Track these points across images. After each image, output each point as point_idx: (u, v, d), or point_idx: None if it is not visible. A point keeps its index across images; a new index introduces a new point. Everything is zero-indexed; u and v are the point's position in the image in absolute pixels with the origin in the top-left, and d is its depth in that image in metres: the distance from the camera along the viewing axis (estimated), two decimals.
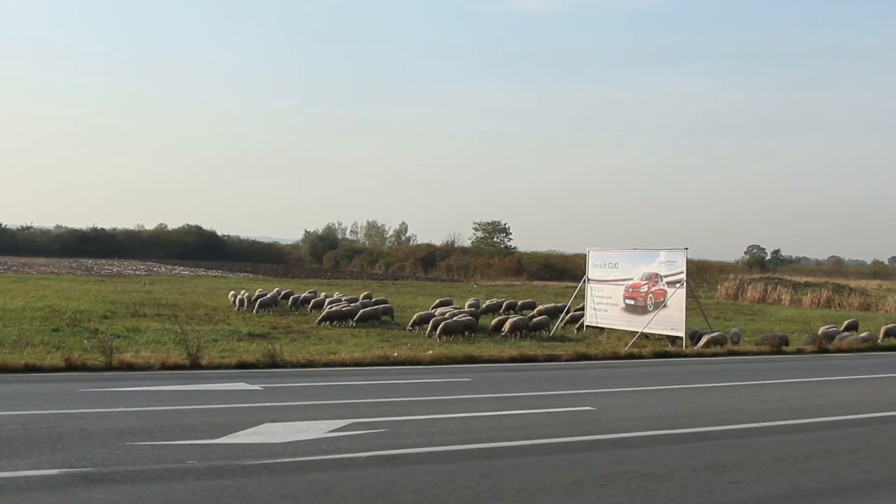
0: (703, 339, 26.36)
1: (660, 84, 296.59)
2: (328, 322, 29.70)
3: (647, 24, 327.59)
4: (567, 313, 32.47)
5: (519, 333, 27.97)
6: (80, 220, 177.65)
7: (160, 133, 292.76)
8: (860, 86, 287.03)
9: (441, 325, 26.50)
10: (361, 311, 30.55)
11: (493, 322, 29.69)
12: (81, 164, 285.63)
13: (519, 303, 38.20)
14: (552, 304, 35.79)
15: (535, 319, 29.92)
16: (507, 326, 27.99)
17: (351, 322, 29.78)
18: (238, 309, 34.79)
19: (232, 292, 38.27)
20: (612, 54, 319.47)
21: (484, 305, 37.08)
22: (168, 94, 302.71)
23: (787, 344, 27.26)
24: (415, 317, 29.68)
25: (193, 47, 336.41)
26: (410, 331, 28.36)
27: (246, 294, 36.07)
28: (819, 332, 29.68)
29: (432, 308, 34.24)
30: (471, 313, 30.39)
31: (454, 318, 27.73)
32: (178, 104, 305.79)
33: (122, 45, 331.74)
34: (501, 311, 35.94)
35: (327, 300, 34.81)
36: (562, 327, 31.27)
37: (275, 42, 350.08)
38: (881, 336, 31.01)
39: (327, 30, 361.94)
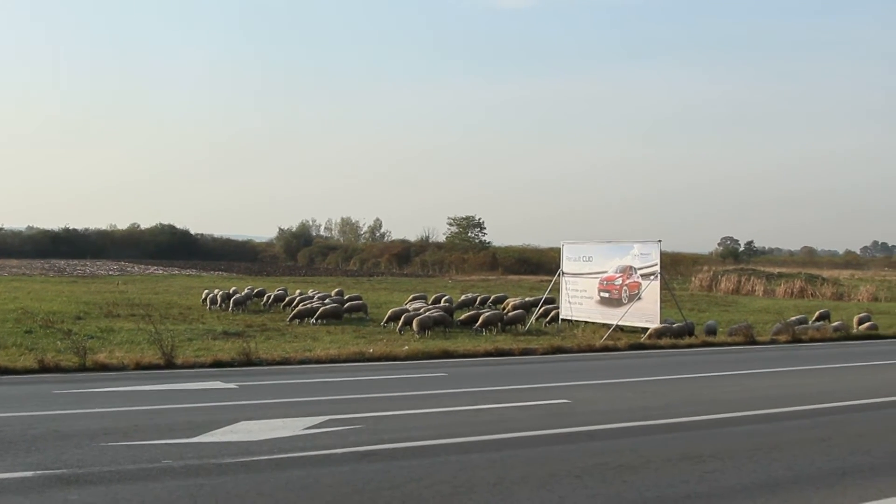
0: (649, 331, 26.28)
1: (636, 78, 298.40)
2: (299, 319, 29.61)
3: (625, 18, 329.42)
4: (541, 307, 32.50)
5: (494, 328, 28.02)
6: (52, 221, 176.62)
7: (130, 133, 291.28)
8: (837, 78, 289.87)
9: (416, 321, 26.48)
10: (321, 308, 30.33)
11: (463, 316, 29.73)
12: (52, 165, 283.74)
13: (491, 297, 38.18)
14: (520, 299, 35.76)
15: (510, 314, 29.98)
16: (480, 321, 28.02)
17: (312, 320, 29.52)
18: (210, 307, 34.60)
19: (206, 291, 38.03)
20: (589, 49, 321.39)
21: (460, 300, 37.09)
22: (136, 93, 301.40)
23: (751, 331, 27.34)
24: (389, 313, 29.65)
25: (161, 46, 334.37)
26: (384, 327, 28.34)
27: (219, 293, 35.92)
28: (786, 321, 29.83)
29: (407, 303, 34.23)
30: (445, 309, 30.40)
31: (428, 314, 27.71)
32: (147, 103, 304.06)
33: (90, 45, 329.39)
34: (475, 305, 35.94)
35: (298, 297, 34.70)
36: (534, 321, 31.30)
37: (241, 39, 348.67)
38: (854, 325, 31.28)
39: (291, 26, 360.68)
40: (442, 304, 33.97)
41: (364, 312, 32.49)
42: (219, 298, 34.93)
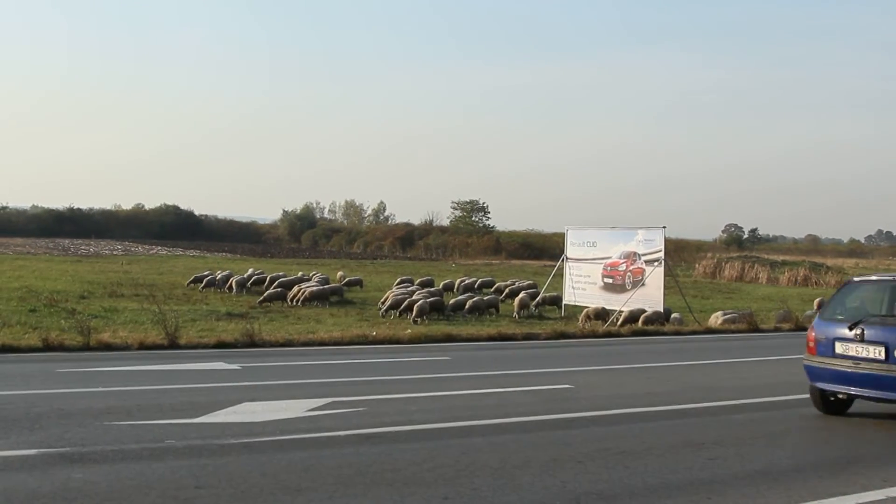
0: (641, 318, 26.14)
1: (639, 64, 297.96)
2: (269, 302, 29.27)
3: (627, 3, 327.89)
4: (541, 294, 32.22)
5: (493, 312, 27.97)
6: (57, 200, 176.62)
7: (135, 112, 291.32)
8: (841, 66, 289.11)
9: (417, 306, 26.22)
10: (310, 290, 29.96)
11: (468, 304, 29.58)
12: (57, 144, 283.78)
13: (478, 282, 37.82)
14: (517, 283, 35.56)
15: (517, 299, 29.90)
16: (468, 306, 27.84)
17: (299, 303, 29.28)
18: (201, 290, 34.07)
19: (208, 271, 37.65)
20: (592, 34, 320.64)
21: (460, 284, 36.76)
22: (142, 72, 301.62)
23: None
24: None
25: (165, 25, 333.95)
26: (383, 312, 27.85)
27: (221, 274, 35.74)
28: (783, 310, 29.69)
29: (395, 286, 33.72)
30: (436, 292, 30.16)
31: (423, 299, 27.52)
32: (153, 83, 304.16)
33: (97, 24, 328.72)
34: (475, 289, 35.83)
35: (281, 279, 34.15)
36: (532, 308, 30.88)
37: (249, 18, 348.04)
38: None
39: (299, 6, 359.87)
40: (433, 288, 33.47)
41: (340, 295, 32.25)
42: (221, 281, 34.77)
